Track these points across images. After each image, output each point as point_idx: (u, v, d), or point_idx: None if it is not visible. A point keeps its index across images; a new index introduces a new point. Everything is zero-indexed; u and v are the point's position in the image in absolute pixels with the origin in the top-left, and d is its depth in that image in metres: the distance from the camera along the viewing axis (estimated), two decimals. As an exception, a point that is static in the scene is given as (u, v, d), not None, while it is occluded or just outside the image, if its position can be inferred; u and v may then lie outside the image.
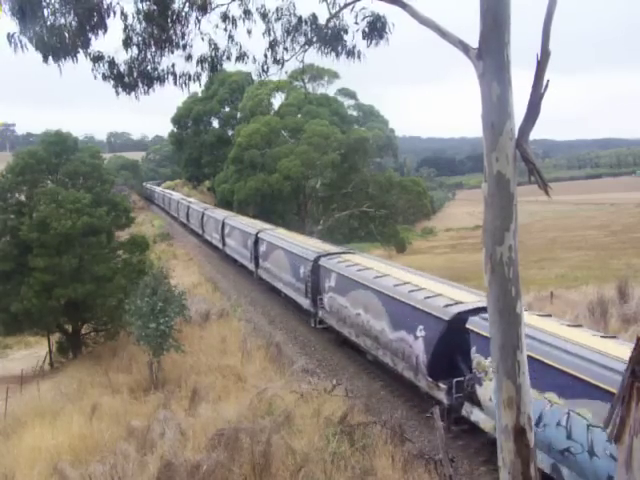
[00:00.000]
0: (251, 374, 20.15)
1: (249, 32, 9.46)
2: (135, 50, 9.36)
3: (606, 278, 32.77)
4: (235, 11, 9.39)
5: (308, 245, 29.61)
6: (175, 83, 9.80)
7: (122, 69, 9.49)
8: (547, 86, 7.09)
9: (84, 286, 26.54)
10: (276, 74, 9.86)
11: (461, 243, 71.48)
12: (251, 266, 37.74)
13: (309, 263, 26.72)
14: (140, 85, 9.67)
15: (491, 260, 7.17)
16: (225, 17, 9.38)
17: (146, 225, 74.85)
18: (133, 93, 9.71)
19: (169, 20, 9.07)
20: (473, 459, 14.49)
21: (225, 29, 9.41)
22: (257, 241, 36.07)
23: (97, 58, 9.37)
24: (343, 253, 26.94)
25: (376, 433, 13.91)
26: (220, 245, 48.41)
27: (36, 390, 23.37)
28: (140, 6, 8.97)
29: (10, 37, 8.81)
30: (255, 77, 10.00)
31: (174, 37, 9.20)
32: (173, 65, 9.68)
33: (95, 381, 22.39)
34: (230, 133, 75.33)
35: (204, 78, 10.05)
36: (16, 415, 20.78)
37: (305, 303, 27.21)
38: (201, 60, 9.64)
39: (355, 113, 73.85)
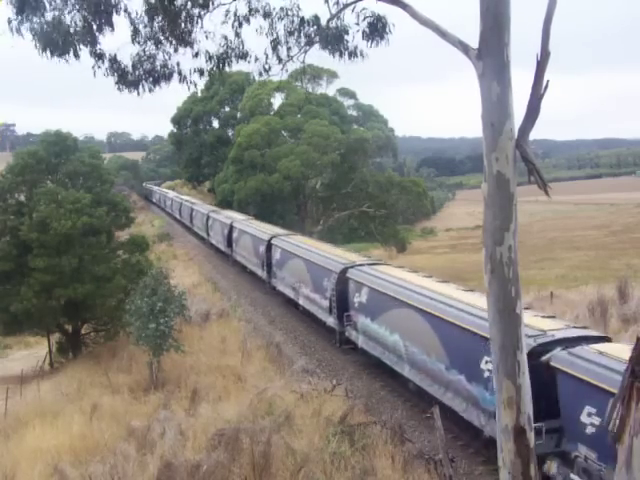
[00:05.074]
0: (251, 374, 20.16)
1: (258, 29, 9.41)
2: (141, 46, 9.34)
3: (606, 278, 32.73)
4: (239, 10, 9.35)
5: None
6: (180, 80, 9.78)
7: (127, 66, 9.46)
8: (547, 86, 7.10)
9: (84, 286, 26.48)
10: (278, 74, 9.85)
11: (461, 243, 71.33)
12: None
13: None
14: (145, 82, 9.65)
15: (491, 260, 7.18)
16: (232, 15, 9.35)
17: (146, 225, 74.81)
18: (137, 91, 9.70)
19: (172, 17, 9.04)
20: (473, 459, 14.49)
21: (232, 26, 9.39)
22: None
23: (101, 55, 9.34)
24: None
25: (376, 433, 13.93)
26: (325, 317, 24.52)
27: (36, 390, 23.35)
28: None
29: (9, 23, 8.78)
30: (256, 76, 9.97)
31: (178, 33, 9.17)
32: (178, 63, 9.68)
33: (95, 381, 22.38)
34: (230, 133, 75.35)
35: (207, 76, 10.03)
36: (16, 415, 20.76)
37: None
38: (209, 57, 9.61)
39: (355, 113, 73.88)
